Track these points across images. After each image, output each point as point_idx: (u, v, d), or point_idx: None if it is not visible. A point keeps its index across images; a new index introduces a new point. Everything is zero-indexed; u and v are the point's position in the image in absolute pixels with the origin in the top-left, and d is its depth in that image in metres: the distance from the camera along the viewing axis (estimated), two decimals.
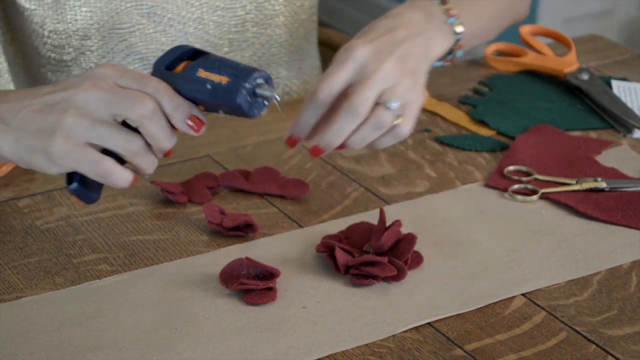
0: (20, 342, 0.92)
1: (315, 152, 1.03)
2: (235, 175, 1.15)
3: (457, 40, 1.13)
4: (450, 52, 1.14)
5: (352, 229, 1.06)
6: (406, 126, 1.03)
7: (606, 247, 1.07)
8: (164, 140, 0.94)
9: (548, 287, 1.01)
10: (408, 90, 1.03)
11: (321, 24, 1.56)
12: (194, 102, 0.96)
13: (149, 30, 1.31)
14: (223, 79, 0.94)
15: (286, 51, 1.41)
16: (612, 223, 1.11)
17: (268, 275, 0.99)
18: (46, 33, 1.28)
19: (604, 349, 0.93)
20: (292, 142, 1.04)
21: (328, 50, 1.60)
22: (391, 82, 1.02)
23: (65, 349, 0.92)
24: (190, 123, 0.95)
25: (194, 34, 1.34)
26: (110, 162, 0.93)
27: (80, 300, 0.98)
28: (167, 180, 1.15)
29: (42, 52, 1.29)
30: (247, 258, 0.99)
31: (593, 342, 0.94)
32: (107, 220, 1.10)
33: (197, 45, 1.30)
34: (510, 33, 1.22)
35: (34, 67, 1.32)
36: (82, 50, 1.29)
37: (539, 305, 0.99)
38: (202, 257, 1.04)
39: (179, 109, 0.94)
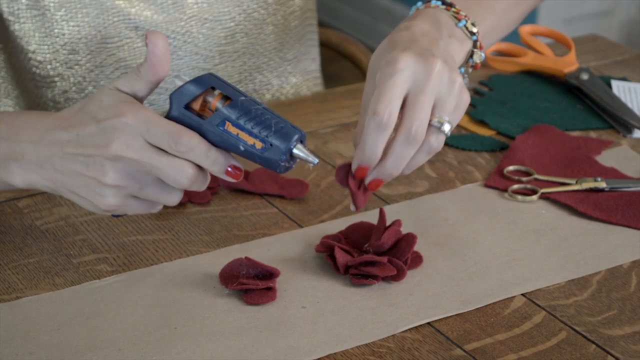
0: (20, 342, 0.92)
1: (376, 185, 0.97)
2: None
3: (475, 42, 1.06)
4: (472, 55, 1.07)
5: (352, 229, 1.06)
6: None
7: (606, 247, 1.07)
8: (203, 189, 0.93)
9: (548, 287, 1.01)
10: (458, 100, 0.97)
11: (321, 24, 1.56)
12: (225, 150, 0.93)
13: (137, 44, 1.30)
14: (257, 143, 0.91)
15: (277, 58, 1.40)
16: (612, 223, 1.10)
17: (268, 275, 0.99)
18: (31, 48, 1.27)
19: (603, 349, 0.93)
20: (362, 172, 0.96)
21: (328, 51, 1.60)
22: (445, 88, 0.95)
23: (65, 348, 0.92)
24: (230, 171, 0.92)
25: (183, 48, 1.32)
26: (159, 205, 0.95)
27: (80, 300, 0.98)
28: None
29: (27, 67, 1.29)
30: (246, 258, 0.99)
31: (593, 342, 0.94)
32: (107, 220, 1.10)
33: (198, 68, 1.30)
34: (510, 33, 1.21)
35: (22, 82, 1.31)
36: (70, 64, 1.29)
37: (538, 305, 0.99)
38: (201, 257, 1.04)
39: (217, 164, 0.92)
